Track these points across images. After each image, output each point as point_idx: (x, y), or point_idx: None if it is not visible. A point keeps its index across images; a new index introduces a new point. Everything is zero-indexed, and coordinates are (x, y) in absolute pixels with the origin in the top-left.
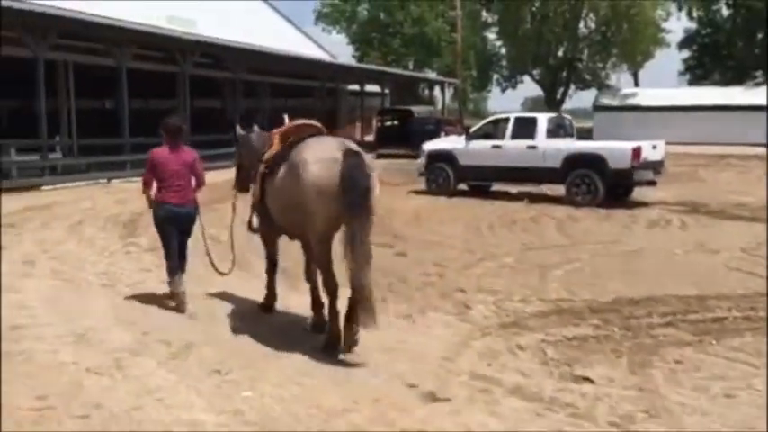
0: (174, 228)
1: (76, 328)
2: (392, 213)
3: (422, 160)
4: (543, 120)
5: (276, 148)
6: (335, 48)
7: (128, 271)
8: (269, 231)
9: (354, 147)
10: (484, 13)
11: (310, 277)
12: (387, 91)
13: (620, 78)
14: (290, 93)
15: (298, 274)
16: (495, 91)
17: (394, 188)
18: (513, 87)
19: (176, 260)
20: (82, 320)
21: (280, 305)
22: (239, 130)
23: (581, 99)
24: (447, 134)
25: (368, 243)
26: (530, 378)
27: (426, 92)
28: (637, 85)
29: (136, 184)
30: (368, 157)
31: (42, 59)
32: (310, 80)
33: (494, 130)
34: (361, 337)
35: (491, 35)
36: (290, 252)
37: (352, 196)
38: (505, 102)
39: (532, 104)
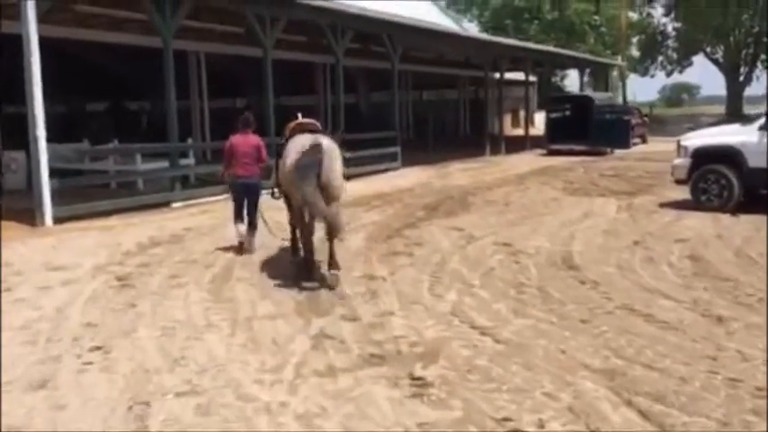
0: (243, 194)
1: None
2: (695, 252)
3: (682, 161)
4: None
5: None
6: None
7: None
8: (285, 197)
9: (320, 141)
10: None
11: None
12: (534, 79)
13: None
14: (430, 85)
15: None
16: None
17: (631, 200)
18: (680, 71)
19: (242, 216)
20: None
21: None
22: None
23: None
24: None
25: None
26: None
27: (564, 81)
28: None
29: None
30: (329, 146)
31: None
32: (450, 68)
33: None
34: None
35: (657, 12)
36: None
37: (302, 176)
38: (640, 90)
39: (671, 93)
